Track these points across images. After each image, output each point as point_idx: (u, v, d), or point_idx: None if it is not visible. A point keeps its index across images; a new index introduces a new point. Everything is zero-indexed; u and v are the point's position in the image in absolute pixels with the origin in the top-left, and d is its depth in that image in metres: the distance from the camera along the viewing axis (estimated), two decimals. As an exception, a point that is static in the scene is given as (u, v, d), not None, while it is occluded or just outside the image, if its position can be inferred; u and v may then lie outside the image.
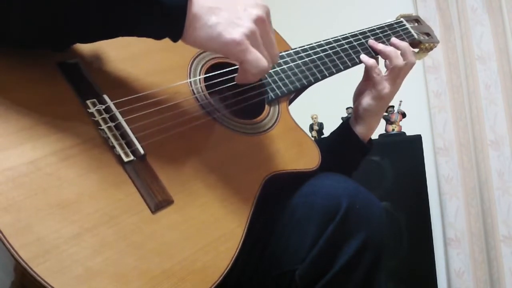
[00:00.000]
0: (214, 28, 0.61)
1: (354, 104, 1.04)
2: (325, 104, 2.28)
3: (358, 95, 1.03)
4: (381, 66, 1.01)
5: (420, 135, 2.21)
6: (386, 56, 1.00)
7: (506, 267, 2.27)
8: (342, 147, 1.03)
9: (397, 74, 0.98)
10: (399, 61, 0.98)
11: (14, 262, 0.50)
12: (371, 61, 0.98)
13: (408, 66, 1.00)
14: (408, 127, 2.28)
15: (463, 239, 2.36)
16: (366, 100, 0.99)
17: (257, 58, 0.64)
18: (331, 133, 1.06)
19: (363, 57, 0.99)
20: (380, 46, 1.01)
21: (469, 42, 2.36)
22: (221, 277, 0.61)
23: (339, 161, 1.01)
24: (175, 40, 0.63)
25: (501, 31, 2.32)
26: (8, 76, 0.59)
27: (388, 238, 0.76)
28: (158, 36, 0.63)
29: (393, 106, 2.22)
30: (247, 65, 0.65)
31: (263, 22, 0.65)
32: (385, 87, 0.97)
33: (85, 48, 0.68)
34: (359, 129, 1.01)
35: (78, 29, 0.60)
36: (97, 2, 0.58)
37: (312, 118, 2.35)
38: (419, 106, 2.50)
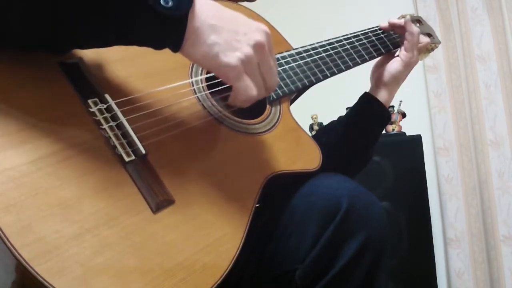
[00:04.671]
0: (212, 47, 0.61)
1: (374, 74, 1.09)
2: (325, 104, 2.28)
3: (380, 66, 1.08)
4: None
5: (420, 135, 2.21)
6: (410, 29, 1.05)
7: (506, 267, 2.27)
8: (365, 116, 1.06)
9: (420, 48, 1.08)
10: (424, 38, 1.10)
11: (16, 262, 0.50)
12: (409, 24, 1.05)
13: (425, 43, 1.10)
14: (408, 127, 2.28)
15: (463, 239, 2.36)
16: (395, 67, 1.05)
17: (246, 86, 0.64)
18: (350, 109, 1.08)
19: (393, 19, 1.07)
20: (400, 21, 1.07)
21: (469, 42, 2.36)
22: (222, 277, 0.61)
23: (361, 132, 1.04)
24: (175, 50, 0.63)
25: (501, 31, 2.33)
26: (9, 76, 0.59)
27: (389, 238, 0.76)
28: (157, 46, 0.63)
29: (393, 106, 2.22)
30: (235, 91, 0.66)
31: (262, 49, 0.65)
32: (415, 55, 1.05)
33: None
34: (382, 96, 1.05)
35: (77, 37, 0.60)
36: (98, 11, 0.57)
37: (312, 118, 2.35)
38: (419, 106, 2.50)
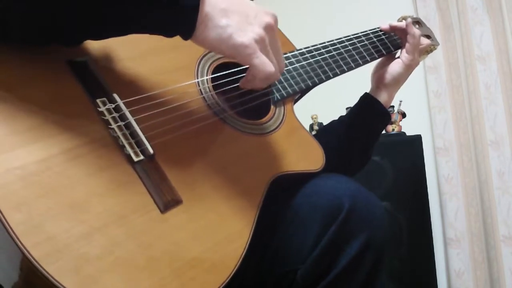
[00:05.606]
0: (224, 29, 0.62)
1: (375, 75, 1.10)
2: (325, 104, 2.28)
3: (381, 67, 1.09)
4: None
5: (420, 135, 2.22)
6: (412, 32, 1.05)
7: (506, 267, 2.27)
8: (366, 118, 1.07)
9: (420, 50, 1.09)
10: (424, 40, 1.11)
11: (19, 264, 0.50)
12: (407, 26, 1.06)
13: (425, 45, 1.12)
14: (408, 127, 2.28)
15: (463, 239, 2.36)
16: (396, 69, 1.06)
17: (264, 62, 0.65)
18: (351, 109, 1.09)
19: (394, 22, 1.08)
20: (402, 24, 1.08)
21: (469, 42, 2.36)
22: (230, 276, 0.61)
23: (362, 133, 1.06)
24: (186, 37, 0.63)
25: (501, 31, 2.33)
26: (17, 74, 0.59)
27: (390, 238, 0.77)
28: (169, 33, 0.63)
29: (393, 106, 2.22)
30: (254, 70, 0.65)
31: (272, 30, 0.66)
32: (415, 57, 1.06)
33: (94, 46, 0.68)
34: (383, 97, 1.07)
35: (89, 25, 0.60)
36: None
37: (312, 118, 2.36)
38: (419, 106, 2.50)
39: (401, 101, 2.25)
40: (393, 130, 2.28)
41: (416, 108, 2.44)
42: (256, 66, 0.65)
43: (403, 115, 2.29)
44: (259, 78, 0.67)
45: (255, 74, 0.66)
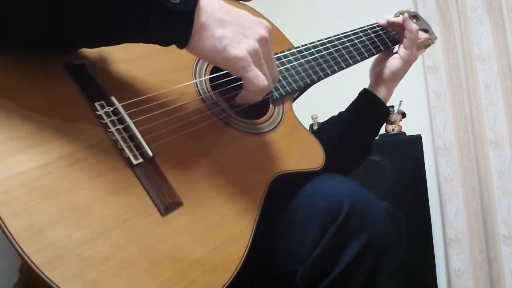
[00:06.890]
0: (220, 40, 0.62)
1: (374, 71, 1.10)
2: (325, 104, 2.28)
3: (380, 63, 1.09)
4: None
5: (420, 135, 2.22)
6: (409, 27, 1.05)
7: (506, 267, 2.27)
8: (366, 114, 1.07)
9: (419, 44, 1.09)
10: (422, 34, 1.11)
11: (20, 263, 0.50)
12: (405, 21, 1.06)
13: (423, 39, 1.12)
14: (408, 127, 2.28)
15: (463, 239, 2.36)
16: (394, 64, 1.06)
17: (257, 75, 0.65)
18: (351, 105, 1.09)
19: (391, 18, 1.08)
20: (399, 19, 1.08)
21: (469, 42, 2.36)
22: (232, 278, 0.61)
23: (362, 129, 1.06)
24: (181, 46, 0.63)
25: (501, 31, 2.33)
26: (15, 79, 0.58)
27: (391, 240, 0.77)
28: (164, 43, 0.63)
29: (393, 106, 2.22)
30: (247, 83, 0.66)
31: (266, 42, 0.67)
32: (413, 52, 1.06)
33: (91, 49, 0.67)
34: (382, 93, 1.07)
35: (83, 34, 0.60)
36: (104, 7, 0.57)
37: (312, 118, 2.35)
38: (419, 106, 2.50)
39: (401, 101, 2.25)
40: (393, 130, 2.27)
41: (416, 108, 2.44)
42: (249, 79, 0.65)
43: (403, 115, 2.28)
44: (252, 91, 0.68)
45: (249, 87, 0.67)
